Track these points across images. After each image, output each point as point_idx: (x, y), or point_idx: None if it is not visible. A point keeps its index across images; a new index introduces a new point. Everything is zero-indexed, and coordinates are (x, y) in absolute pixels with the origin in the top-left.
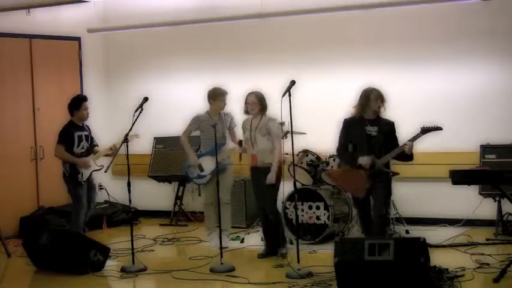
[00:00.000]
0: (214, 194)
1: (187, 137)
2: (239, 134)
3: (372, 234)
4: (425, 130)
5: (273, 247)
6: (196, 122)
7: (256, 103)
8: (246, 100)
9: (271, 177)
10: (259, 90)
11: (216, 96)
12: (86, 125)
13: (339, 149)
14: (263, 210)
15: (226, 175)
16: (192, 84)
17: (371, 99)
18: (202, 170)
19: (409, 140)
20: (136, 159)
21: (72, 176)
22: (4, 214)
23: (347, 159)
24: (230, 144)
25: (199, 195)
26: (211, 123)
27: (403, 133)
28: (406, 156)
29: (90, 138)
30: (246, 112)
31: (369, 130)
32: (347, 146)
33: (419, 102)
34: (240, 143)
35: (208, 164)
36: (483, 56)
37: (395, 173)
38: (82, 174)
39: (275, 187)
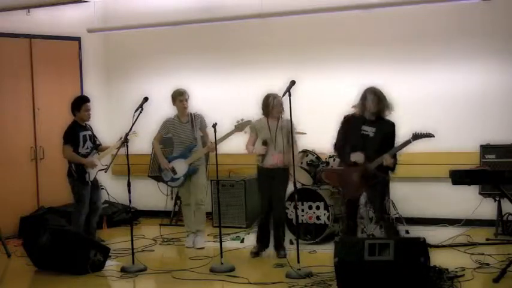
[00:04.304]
0: (190, 196)
1: (158, 141)
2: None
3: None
4: (416, 136)
5: (266, 245)
6: (165, 125)
7: (282, 105)
8: (273, 103)
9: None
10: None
11: (174, 97)
12: (89, 125)
13: (335, 145)
14: (269, 209)
15: (198, 176)
16: (192, 84)
17: (367, 99)
18: (175, 172)
19: (396, 147)
20: (136, 159)
21: (79, 176)
22: (4, 214)
23: (342, 156)
24: (200, 147)
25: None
26: (180, 126)
27: (403, 133)
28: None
29: (93, 138)
30: (267, 114)
31: (365, 130)
32: (343, 143)
33: (419, 102)
34: (264, 143)
35: (180, 166)
36: (483, 56)
37: (387, 176)
38: (89, 174)
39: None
